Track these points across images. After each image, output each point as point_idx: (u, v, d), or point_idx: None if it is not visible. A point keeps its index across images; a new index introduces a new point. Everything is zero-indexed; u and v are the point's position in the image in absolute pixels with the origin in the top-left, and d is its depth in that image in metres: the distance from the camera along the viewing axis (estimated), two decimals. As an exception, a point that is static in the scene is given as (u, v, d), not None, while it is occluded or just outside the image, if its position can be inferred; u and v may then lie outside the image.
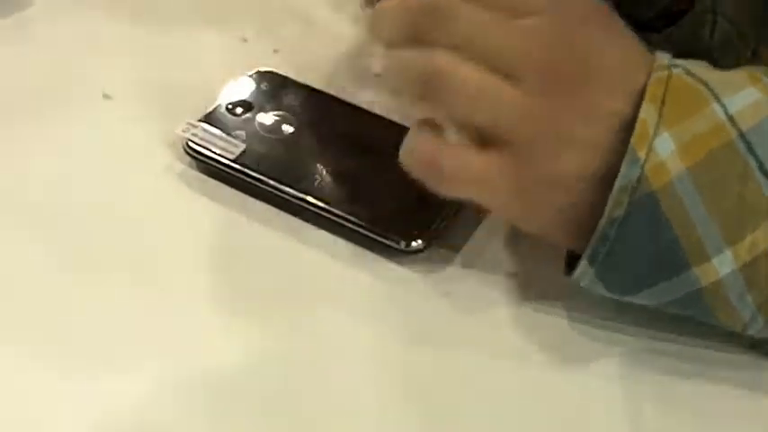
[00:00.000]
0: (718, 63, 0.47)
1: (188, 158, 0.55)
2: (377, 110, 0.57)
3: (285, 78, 0.59)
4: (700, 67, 0.46)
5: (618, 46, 0.46)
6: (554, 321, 0.50)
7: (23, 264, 0.50)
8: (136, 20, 0.64)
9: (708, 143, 0.43)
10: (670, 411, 0.46)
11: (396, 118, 0.57)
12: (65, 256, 0.51)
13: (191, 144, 0.55)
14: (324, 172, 0.54)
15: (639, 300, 0.46)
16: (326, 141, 0.56)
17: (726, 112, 0.43)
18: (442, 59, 0.45)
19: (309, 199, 0.52)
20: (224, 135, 0.55)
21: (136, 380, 0.46)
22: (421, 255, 0.51)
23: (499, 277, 0.51)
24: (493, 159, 0.45)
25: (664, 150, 0.43)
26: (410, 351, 0.48)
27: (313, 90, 0.59)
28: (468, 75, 0.45)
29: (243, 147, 0.55)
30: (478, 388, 0.47)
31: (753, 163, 0.43)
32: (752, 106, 0.44)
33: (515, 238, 0.53)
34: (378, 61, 0.51)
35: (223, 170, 0.54)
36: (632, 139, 0.43)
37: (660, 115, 0.43)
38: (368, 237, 0.51)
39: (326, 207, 0.52)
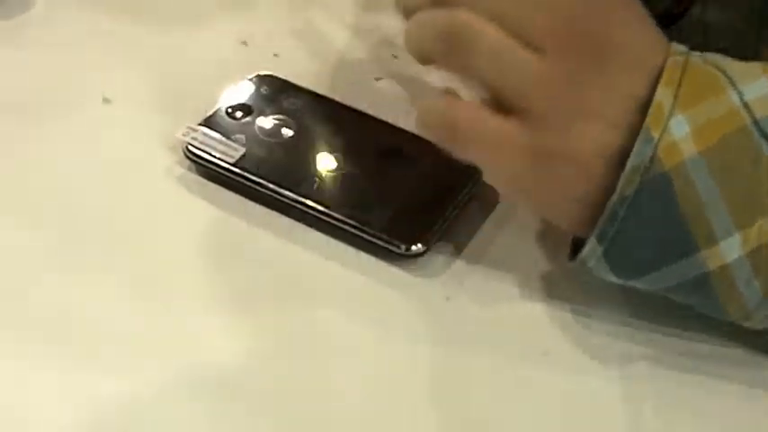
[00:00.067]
0: None
1: (188, 162, 0.55)
2: (377, 114, 0.57)
3: (285, 82, 0.59)
4: (716, 57, 0.46)
5: (638, 27, 0.46)
6: (554, 323, 0.49)
7: (23, 265, 0.50)
8: (136, 24, 0.64)
9: (722, 128, 0.43)
10: (670, 411, 0.46)
11: (396, 121, 0.57)
12: (65, 258, 0.51)
13: (190, 148, 0.55)
14: (324, 175, 0.54)
15: (645, 284, 0.46)
16: (326, 145, 0.56)
17: (741, 99, 0.44)
18: (465, 16, 0.46)
19: (309, 203, 0.52)
20: (224, 139, 0.55)
21: (135, 380, 0.46)
22: (421, 259, 0.51)
23: (500, 281, 0.51)
24: (509, 125, 0.45)
25: (678, 131, 0.43)
26: (410, 355, 0.48)
27: (313, 94, 0.59)
28: (490, 33, 0.45)
29: (243, 150, 0.55)
30: (479, 390, 0.47)
31: (766, 148, 0.43)
32: (767, 96, 0.44)
33: (515, 241, 0.53)
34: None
35: (223, 174, 0.54)
36: (647, 120, 0.43)
37: (676, 97, 0.43)
38: (368, 240, 0.51)
39: (326, 211, 0.52)
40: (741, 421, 0.46)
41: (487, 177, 0.48)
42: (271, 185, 0.53)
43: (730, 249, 0.43)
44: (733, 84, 0.44)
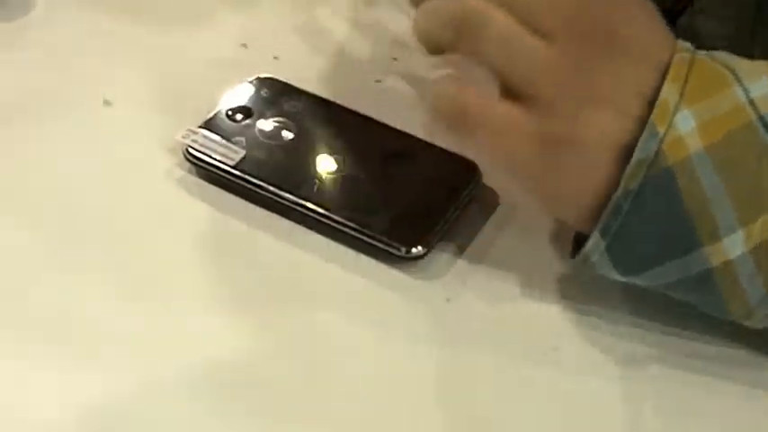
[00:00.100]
0: None
1: (188, 165, 0.55)
2: (377, 116, 0.57)
3: (285, 84, 0.59)
4: (722, 55, 0.46)
5: (646, 22, 0.46)
6: (555, 324, 0.49)
7: (23, 265, 0.51)
8: (137, 26, 0.64)
9: (727, 124, 0.43)
10: (671, 412, 0.46)
11: (396, 124, 0.57)
12: (65, 259, 0.51)
13: (191, 150, 0.55)
14: (324, 178, 0.54)
15: (647, 280, 0.46)
16: (326, 147, 0.56)
17: (747, 96, 0.44)
18: (474, 2, 0.46)
19: (309, 205, 0.52)
20: (224, 141, 0.55)
21: (135, 380, 0.46)
22: (422, 261, 0.51)
23: (500, 283, 0.51)
24: (517, 111, 0.45)
25: (684, 126, 0.43)
26: (411, 357, 0.48)
27: (313, 96, 0.59)
28: (499, 19, 0.45)
29: (243, 153, 0.55)
30: (480, 392, 0.47)
31: None
32: None
33: (516, 242, 0.53)
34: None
35: (223, 176, 0.54)
36: (653, 114, 0.43)
37: (682, 93, 0.43)
38: (368, 243, 0.51)
39: (327, 213, 0.52)
40: (742, 422, 0.46)
41: (494, 164, 0.48)
42: (271, 188, 0.53)
43: (733, 246, 0.43)
44: (739, 80, 0.44)
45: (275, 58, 0.63)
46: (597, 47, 0.45)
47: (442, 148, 0.55)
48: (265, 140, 0.56)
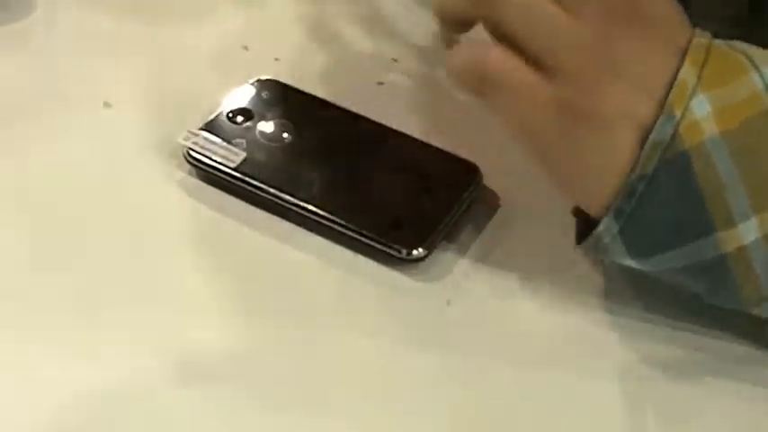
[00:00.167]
0: None
1: (188, 167, 0.55)
2: (378, 118, 0.57)
3: (286, 86, 0.59)
4: (738, 43, 0.46)
5: (667, 2, 0.46)
6: (555, 326, 0.49)
7: (24, 268, 0.51)
8: (137, 28, 0.64)
9: (744, 111, 0.43)
10: (672, 414, 0.46)
11: (397, 125, 0.57)
12: (65, 262, 0.51)
13: (191, 152, 0.55)
14: (324, 180, 0.54)
15: (659, 265, 0.46)
16: (327, 149, 0.56)
17: (764, 83, 0.44)
18: None
19: (310, 207, 0.52)
20: (225, 143, 0.55)
21: (134, 383, 0.46)
22: (422, 263, 0.51)
23: (501, 284, 0.51)
24: (538, 78, 0.45)
25: (700, 111, 0.43)
26: (411, 359, 0.48)
27: (314, 98, 0.59)
28: None
29: (243, 155, 0.55)
30: (480, 394, 0.47)
31: None
32: None
33: (517, 245, 0.53)
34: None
35: (224, 178, 0.54)
36: (670, 97, 0.43)
37: (699, 77, 0.43)
38: (369, 245, 0.51)
39: (327, 215, 0.52)
40: (743, 423, 0.46)
41: (509, 127, 0.47)
42: (271, 190, 0.53)
43: (747, 231, 0.43)
44: (756, 67, 0.44)
45: (276, 59, 0.62)
46: (621, 21, 0.44)
47: (442, 150, 0.55)
48: (266, 142, 0.56)
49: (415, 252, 0.51)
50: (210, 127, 0.56)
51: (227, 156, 0.54)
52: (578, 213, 0.48)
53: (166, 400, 0.45)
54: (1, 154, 0.56)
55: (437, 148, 0.56)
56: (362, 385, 0.47)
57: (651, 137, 0.43)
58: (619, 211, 0.44)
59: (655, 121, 0.43)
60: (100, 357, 0.47)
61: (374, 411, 0.46)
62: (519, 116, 0.46)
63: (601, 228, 0.45)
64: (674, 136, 0.43)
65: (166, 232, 0.53)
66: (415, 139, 0.56)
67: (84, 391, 0.45)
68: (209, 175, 0.54)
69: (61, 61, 0.62)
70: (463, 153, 0.55)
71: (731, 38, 0.46)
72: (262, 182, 0.53)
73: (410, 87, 0.61)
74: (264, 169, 0.54)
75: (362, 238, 0.51)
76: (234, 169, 0.54)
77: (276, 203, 0.53)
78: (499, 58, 0.45)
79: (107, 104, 0.59)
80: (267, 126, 0.57)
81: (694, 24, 0.46)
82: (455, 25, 0.49)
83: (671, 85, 0.43)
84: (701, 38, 0.45)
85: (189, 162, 0.55)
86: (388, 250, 0.51)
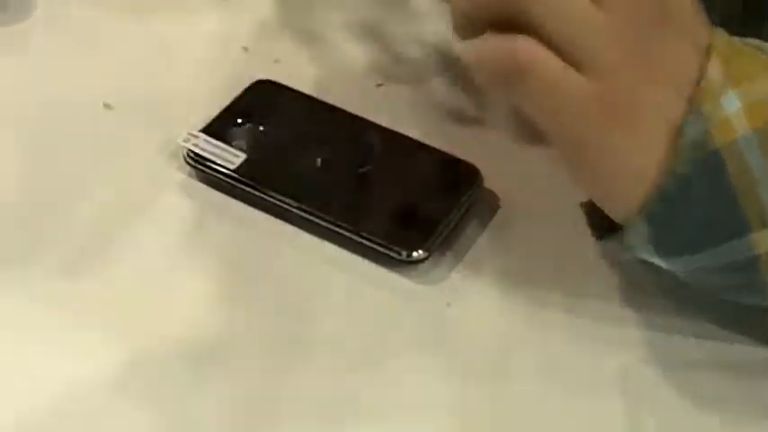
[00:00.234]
0: None
1: (189, 168, 0.55)
2: (378, 120, 0.57)
3: (286, 88, 0.59)
4: (755, 41, 0.45)
5: (689, 4, 0.45)
6: (555, 329, 0.49)
7: (24, 268, 0.51)
8: (137, 29, 0.64)
9: None
10: (672, 416, 0.46)
11: (397, 127, 0.57)
12: (65, 263, 0.51)
13: (191, 154, 0.55)
14: (324, 182, 0.54)
15: (688, 265, 0.45)
16: (327, 151, 0.56)
17: None
18: None
19: (310, 209, 0.52)
20: (225, 145, 0.55)
21: (133, 382, 0.46)
22: (422, 265, 0.51)
23: (501, 287, 0.51)
24: (572, 70, 0.43)
25: (730, 107, 0.43)
26: (410, 361, 0.48)
27: (314, 100, 0.59)
28: None
29: (243, 157, 0.55)
30: (478, 397, 0.47)
31: None
32: None
33: (517, 247, 0.53)
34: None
35: (224, 180, 0.54)
36: (699, 95, 0.43)
37: (726, 75, 0.43)
38: (369, 247, 0.51)
39: (327, 217, 0.52)
40: (744, 423, 0.46)
41: (539, 118, 0.45)
42: (271, 192, 0.53)
43: None
44: None
45: (276, 61, 0.62)
46: (651, 18, 0.44)
47: (443, 152, 0.55)
48: (266, 144, 0.56)
49: (415, 254, 0.51)
50: (210, 129, 0.56)
51: (228, 157, 0.54)
52: (588, 207, 0.47)
53: (166, 400, 0.46)
54: (1, 154, 0.56)
55: (437, 150, 0.56)
56: (362, 385, 0.47)
57: (684, 137, 0.42)
58: (650, 213, 0.44)
59: (685, 120, 0.43)
60: (99, 357, 0.47)
61: (373, 411, 0.46)
62: (550, 109, 0.44)
63: (630, 228, 0.44)
64: (706, 135, 0.42)
65: (166, 233, 0.53)
66: (414, 141, 0.56)
67: (84, 389, 0.46)
68: (209, 176, 0.54)
69: (61, 62, 0.62)
70: (463, 155, 0.55)
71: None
72: (262, 183, 0.53)
73: (410, 89, 0.61)
74: (264, 171, 0.54)
75: (362, 240, 0.51)
76: (234, 171, 0.54)
77: (276, 205, 0.53)
78: (530, 48, 0.43)
79: (107, 105, 0.59)
80: (267, 128, 0.57)
81: None
82: (475, 25, 0.45)
83: (698, 83, 0.43)
84: (722, 34, 0.44)
85: (189, 163, 0.55)
86: (388, 252, 0.51)
